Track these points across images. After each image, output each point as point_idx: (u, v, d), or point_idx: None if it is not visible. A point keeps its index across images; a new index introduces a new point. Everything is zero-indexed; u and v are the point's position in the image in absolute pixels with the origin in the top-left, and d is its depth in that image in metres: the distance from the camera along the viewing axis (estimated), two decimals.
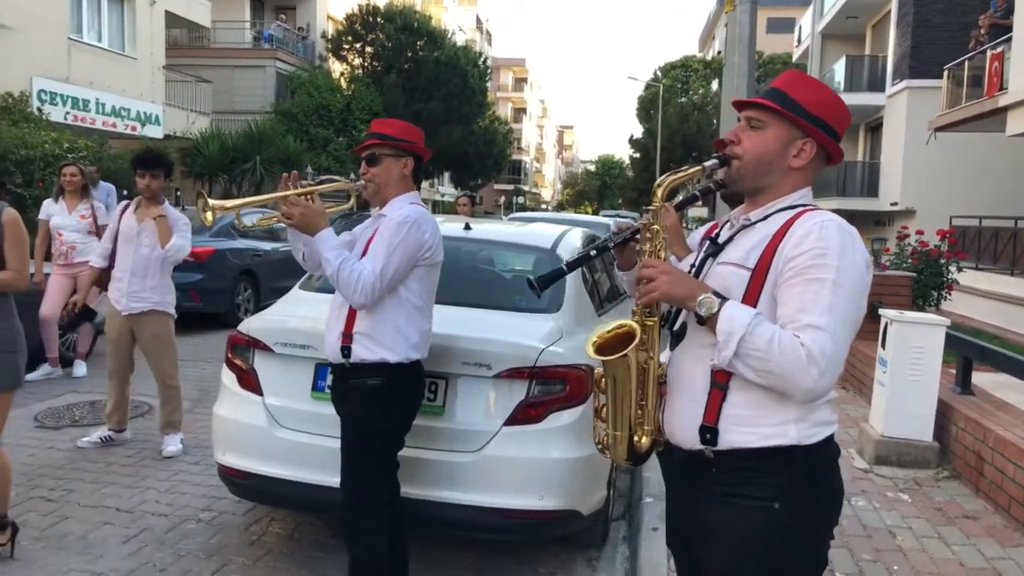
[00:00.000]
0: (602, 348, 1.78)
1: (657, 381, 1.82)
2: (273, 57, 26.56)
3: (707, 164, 1.84)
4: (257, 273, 10.32)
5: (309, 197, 2.73)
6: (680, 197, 2.10)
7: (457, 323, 3.24)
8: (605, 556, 3.76)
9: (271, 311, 3.67)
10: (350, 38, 28.42)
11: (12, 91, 14.65)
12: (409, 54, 27.82)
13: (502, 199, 58.22)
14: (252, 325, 3.41)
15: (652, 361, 1.80)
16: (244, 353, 3.41)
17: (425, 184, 38.33)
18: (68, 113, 16.64)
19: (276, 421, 3.29)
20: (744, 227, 1.81)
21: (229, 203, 2.76)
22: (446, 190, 45.37)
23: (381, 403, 2.75)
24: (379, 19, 28.06)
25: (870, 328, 5.57)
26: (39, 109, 15.46)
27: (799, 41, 29.56)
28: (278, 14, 28.98)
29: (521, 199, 59.12)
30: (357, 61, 28.70)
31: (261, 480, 3.28)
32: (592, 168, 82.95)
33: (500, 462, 3.13)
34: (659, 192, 1.82)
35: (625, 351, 1.73)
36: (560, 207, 72.93)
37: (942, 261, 8.82)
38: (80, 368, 6.86)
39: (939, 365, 4.62)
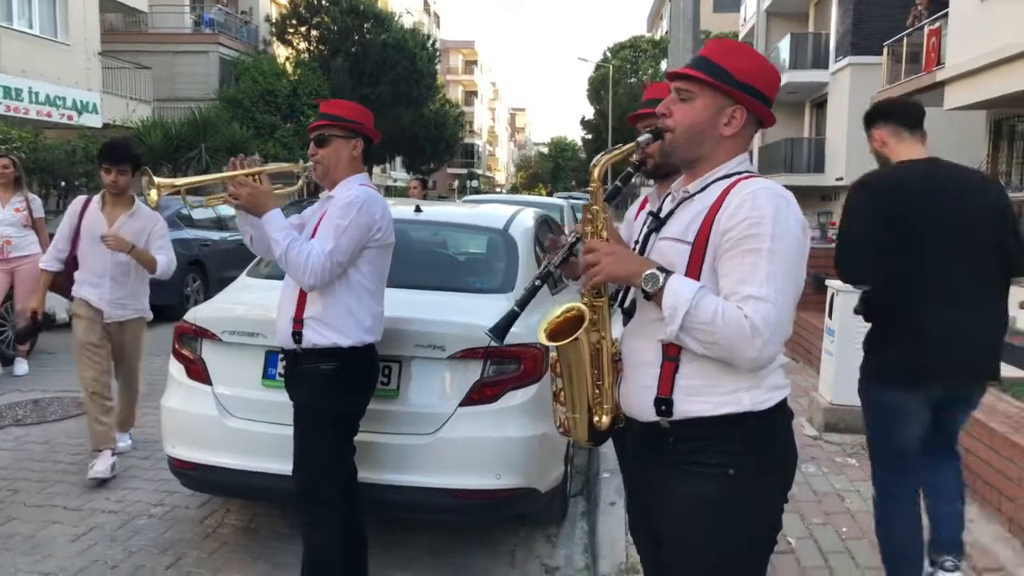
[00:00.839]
0: (553, 333, 1.78)
1: (612, 359, 1.84)
2: (215, 42, 25.91)
3: (640, 139, 1.84)
4: (206, 263, 10.12)
5: (257, 178, 2.68)
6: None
7: (410, 306, 3.21)
8: (564, 532, 3.80)
9: (218, 299, 3.59)
10: (295, 21, 27.87)
11: None
12: (356, 37, 27.39)
13: (456, 183, 57.93)
14: (199, 314, 3.33)
15: (605, 341, 1.82)
16: (191, 343, 3.33)
17: (377, 169, 37.89)
18: None
19: (226, 410, 3.23)
20: (684, 199, 1.81)
21: (176, 181, 2.71)
22: (398, 175, 44.94)
23: (335, 388, 2.73)
24: (324, 2, 27.54)
25: (817, 299, 5.69)
26: None
27: (744, 19, 29.90)
28: None
29: (475, 183, 58.94)
30: (303, 45, 28.18)
31: (213, 471, 3.22)
32: (545, 151, 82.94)
33: (456, 443, 3.12)
34: (595, 172, 1.82)
35: (576, 335, 1.74)
36: (514, 190, 72.84)
37: None
38: (21, 366, 6.66)
39: None
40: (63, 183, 14.66)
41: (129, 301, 4.41)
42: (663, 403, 1.72)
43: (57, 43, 18.28)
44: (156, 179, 2.60)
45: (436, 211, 4.28)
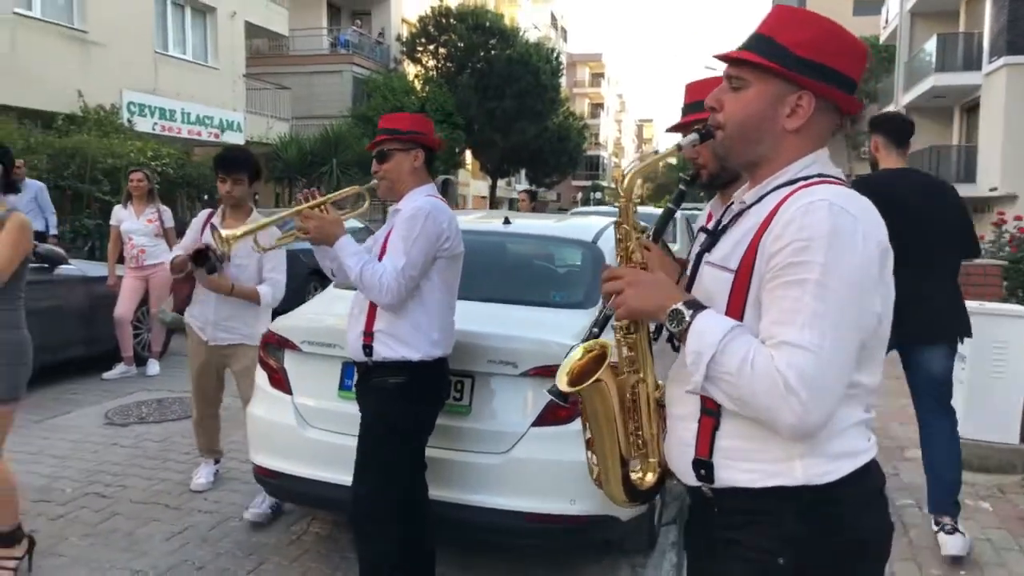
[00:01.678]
0: (580, 377, 1.56)
1: (657, 404, 1.60)
2: (349, 62, 27.12)
3: (683, 142, 1.56)
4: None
5: (323, 208, 2.71)
6: (651, 227, 1.82)
7: (484, 320, 3.14)
8: (651, 563, 3.58)
9: (302, 309, 3.66)
10: (423, 40, 28.74)
11: (104, 104, 15.42)
12: (481, 53, 27.92)
13: (579, 195, 57.85)
14: (281, 324, 3.40)
15: (645, 383, 1.58)
16: (275, 352, 3.40)
17: (502, 183, 38.44)
18: (156, 124, 17.43)
19: (305, 420, 3.26)
20: (741, 212, 1.49)
21: (241, 230, 2.79)
22: (523, 187, 45.39)
23: (402, 401, 2.71)
24: (451, 20, 28.27)
25: None
26: (128, 120, 16.24)
27: (887, 21, 28.18)
28: (354, 19, 29.57)
29: (599, 194, 58.60)
30: (431, 63, 29.00)
31: (291, 480, 3.26)
32: (673, 161, 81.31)
33: (529, 464, 3.00)
34: (625, 183, 1.58)
35: (596, 376, 1.52)
36: (641, 202, 71.68)
37: None
38: (153, 367, 7.10)
39: None
40: (206, 196, 15.70)
41: (236, 324, 3.99)
42: (702, 466, 1.44)
43: (207, 67, 19.72)
44: (223, 232, 2.73)
45: (525, 223, 4.20)
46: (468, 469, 3.04)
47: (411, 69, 29.62)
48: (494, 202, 35.91)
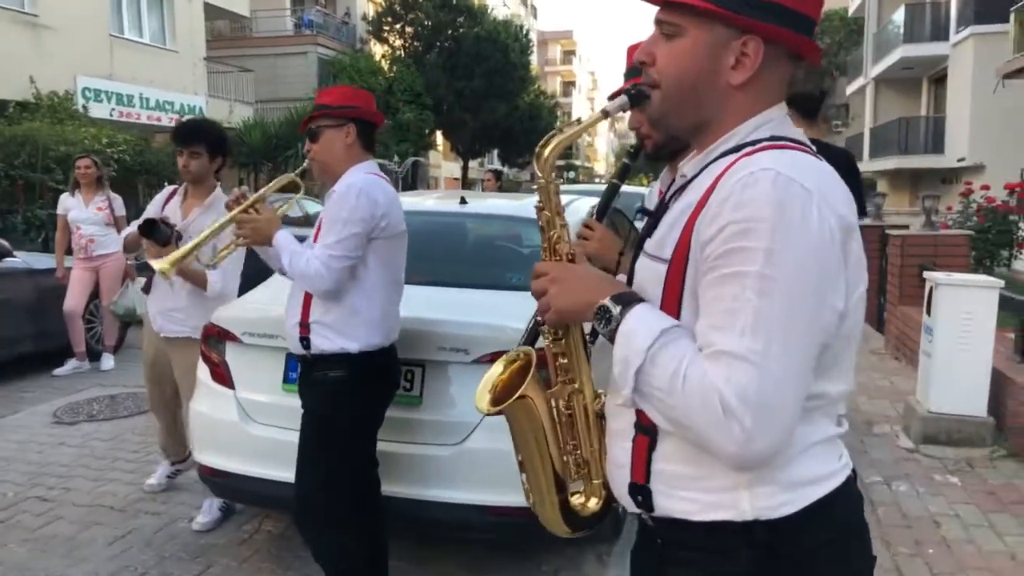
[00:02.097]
0: (506, 393, 1.37)
1: (598, 417, 1.37)
2: (314, 43, 26.61)
3: (609, 106, 1.32)
4: None
5: (254, 209, 2.54)
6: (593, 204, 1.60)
7: (436, 305, 2.99)
8: (617, 552, 3.47)
9: (244, 298, 3.47)
10: (389, 19, 28.26)
11: (57, 90, 14.93)
12: (449, 32, 27.51)
13: (552, 174, 57.49)
14: (221, 315, 3.21)
15: (581, 394, 1.36)
16: (216, 345, 3.21)
17: (474, 163, 38.06)
18: (113, 109, 16.96)
19: (249, 416, 3.09)
20: (682, 188, 1.24)
21: (176, 254, 2.64)
22: (495, 168, 45.06)
23: (346, 397, 2.54)
24: None
25: (919, 293, 5.09)
26: (84, 107, 15.76)
27: None
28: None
29: (572, 174, 58.47)
30: (398, 42, 28.54)
31: (237, 479, 3.09)
32: None
33: (484, 455, 2.85)
34: (543, 157, 1.32)
35: (519, 392, 1.33)
36: (575, 179, 71.78)
37: (1012, 217, 8.17)
38: (107, 361, 6.85)
39: (992, 331, 4.16)
40: (166, 183, 15.34)
41: (184, 316, 3.56)
42: (639, 491, 1.21)
43: (166, 50, 19.20)
44: (155, 265, 2.61)
45: (482, 203, 4.03)
46: (422, 462, 2.89)
47: (378, 49, 29.15)
48: (466, 183, 35.59)
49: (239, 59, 23.47)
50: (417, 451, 2.91)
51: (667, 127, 1.28)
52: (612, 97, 2.03)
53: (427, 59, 27.19)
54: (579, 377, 1.36)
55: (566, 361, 1.36)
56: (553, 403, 1.38)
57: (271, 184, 2.86)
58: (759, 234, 1.03)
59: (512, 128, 32.01)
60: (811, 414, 1.12)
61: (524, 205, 4.29)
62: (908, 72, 22.81)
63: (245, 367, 3.13)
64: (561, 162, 63.22)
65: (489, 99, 27.65)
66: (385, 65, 27.16)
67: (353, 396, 2.57)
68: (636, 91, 1.28)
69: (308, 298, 2.54)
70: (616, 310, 1.15)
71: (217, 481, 3.21)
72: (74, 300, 6.53)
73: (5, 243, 6.59)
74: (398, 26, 28.36)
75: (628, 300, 1.17)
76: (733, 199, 1.06)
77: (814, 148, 1.19)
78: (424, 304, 2.97)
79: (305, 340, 2.54)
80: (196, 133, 3.61)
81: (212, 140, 3.63)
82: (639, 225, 1.78)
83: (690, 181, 1.23)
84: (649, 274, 1.21)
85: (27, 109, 13.81)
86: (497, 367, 1.44)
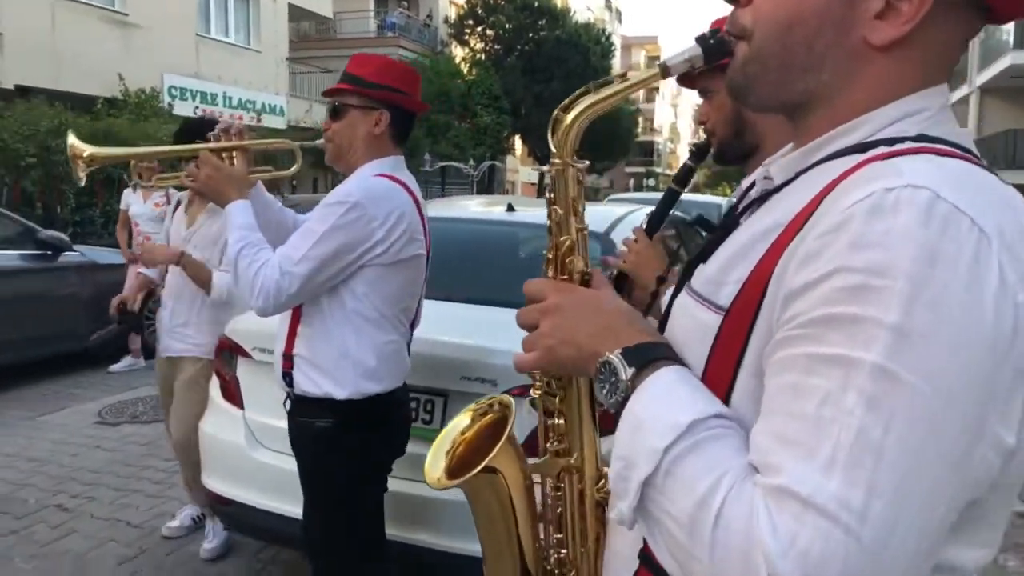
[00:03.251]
0: (468, 459, 1.03)
1: (598, 506, 0.96)
2: (396, 45, 26.73)
3: (671, 60, 0.90)
4: None
5: (228, 156, 2.09)
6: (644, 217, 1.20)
7: (462, 326, 2.62)
8: None
9: None
10: (471, 22, 28.19)
11: (144, 87, 15.31)
12: (530, 35, 27.23)
13: (631, 181, 56.72)
14: (234, 327, 2.92)
15: (578, 473, 0.96)
16: (229, 360, 2.93)
17: (544, 167, 37.68)
18: (196, 107, 17.28)
19: (256, 440, 2.79)
20: (761, 199, 0.85)
21: (106, 151, 2.19)
22: None
23: (335, 451, 2.13)
24: (500, 1, 27.64)
25: None
26: (169, 104, 16.13)
27: None
28: (401, 1, 29.21)
29: (652, 181, 57.46)
30: (478, 45, 28.45)
31: (243, 509, 2.79)
32: None
33: None
34: (564, 126, 0.91)
35: (484, 463, 0.98)
36: (696, 189, 70.23)
37: None
38: None
39: None
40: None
41: (189, 332, 3.23)
42: None
43: (250, 50, 19.56)
44: (76, 144, 2.07)
45: (531, 212, 3.64)
46: (442, 507, 2.52)
47: (458, 52, 29.14)
48: (543, 189, 35.26)
49: (321, 60, 23.76)
50: (435, 495, 2.53)
51: (755, 100, 0.84)
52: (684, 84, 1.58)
53: (507, 62, 26.99)
54: (578, 448, 0.96)
55: (562, 423, 0.95)
56: (534, 480, 1.03)
57: (267, 140, 2.39)
58: (887, 299, 0.61)
59: (591, 134, 31.48)
60: None
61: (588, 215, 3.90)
62: (1018, 81, 21.30)
63: (255, 386, 2.83)
64: (640, 169, 62.22)
65: None
66: (464, 68, 27.10)
67: (342, 450, 2.14)
68: (715, 40, 0.88)
69: (294, 325, 2.12)
70: (626, 373, 0.76)
71: (224, 509, 2.93)
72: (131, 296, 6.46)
73: (64, 236, 6.59)
74: (479, 29, 28.27)
75: (648, 359, 0.77)
76: (850, 231, 0.64)
77: (985, 163, 0.75)
78: (450, 325, 2.61)
79: (288, 376, 2.13)
80: (195, 132, 3.05)
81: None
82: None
83: (777, 189, 0.82)
84: (690, 323, 0.81)
85: (115, 106, 14.16)
86: (461, 419, 1.11)
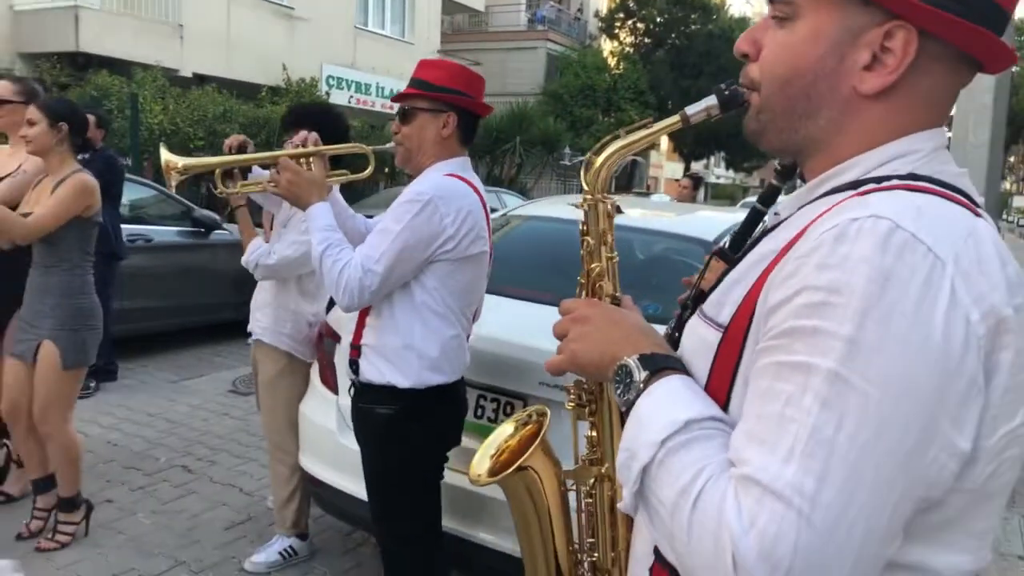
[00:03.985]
0: (511, 461, 1.16)
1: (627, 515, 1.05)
2: (545, 38, 26.93)
3: (691, 110, 1.02)
4: None
5: (307, 161, 2.22)
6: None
7: (545, 330, 2.57)
8: None
9: None
10: (622, 15, 27.87)
11: (305, 77, 16.28)
12: (681, 28, 26.58)
13: (604, 191, 54.25)
14: (335, 315, 3.03)
15: (610, 482, 1.08)
16: (329, 345, 3.05)
17: (697, 165, 36.71)
18: (352, 97, 18.19)
19: (346, 425, 2.88)
20: (771, 229, 0.94)
21: (194, 161, 2.36)
22: (720, 172, 43.23)
23: (395, 439, 2.22)
24: None
25: None
26: (327, 93, 17.05)
27: None
28: None
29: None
30: (628, 39, 28.09)
31: (331, 491, 2.91)
32: None
33: None
34: (594, 168, 1.07)
35: (519, 463, 1.12)
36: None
37: None
38: None
39: None
40: (386, 169, 16.21)
41: (260, 315, 3.16)
42: None
43: (404, 42, 20.30)
44: (168, 158, 2.25)
45: (637, 214, 3.55)
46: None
47: (607, 46, 28.90)
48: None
49: (472, 53, 24.30)
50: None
51: (767, 144, 0.95)
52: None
53: (655, 56, 26.48)
54: (610, 458, 1.09)
55: (595, 435, 1.10)
56: (569, 486, 1.17)
57: (339, 146, 2.50)
58: (841, 313, 0.70)
59: (739, 130, 30.28)
60: None
61: (695, 221, 3.76)
62: None
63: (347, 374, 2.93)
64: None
65: None
66: (612, 62, 26.85)
67: (403, 438, 2.23)
68: (730, 91, 1.00)
69: (363, 316, 2.23)
70: (640, 375, 0.87)
71: (315, 490, 3.06)
72: None
73: (215, 215, 7.11)
74: (630, 22, 27.90)
75: (660, 366, 0.87)
76: (818, 255, 0.73)
77: (979, 202, 0.83)
78: (534, 327, 2.58)
79: (355, 364, 2.25)
80: (303, 122, 2.86)
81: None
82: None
83: (782, 221, 0.92)
84: (697, 342, 0.91)
85: (277, 93, 15.16)
86: (506, 428, 1.26)
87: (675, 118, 1.03)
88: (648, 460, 0.78)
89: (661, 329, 2.47)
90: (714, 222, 3.34)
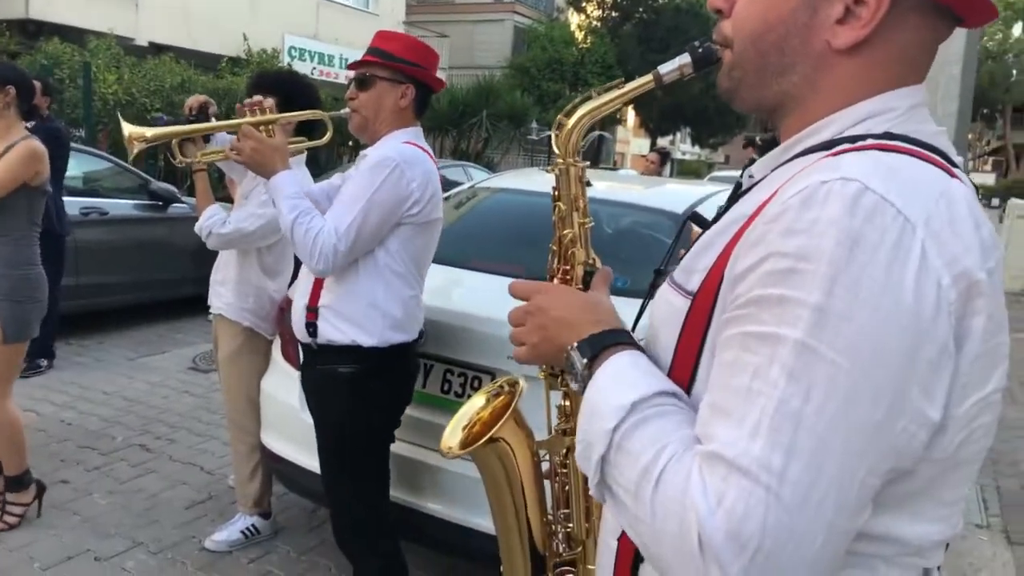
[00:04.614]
0: (485, 431, 1.14)
1: None
2: (512, 11, 26.64)
3: (663, 69, 0.98)
4: None
5: (269, 129, 2.18)
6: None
7: (513, 304, 2.53)
8: None
9: None
10: None
11: (266, 48, 15.89)
12: (649, 2, 26.45)
13: (577, 154, 54.80)
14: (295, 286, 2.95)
15: None
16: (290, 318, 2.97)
17: (664, 140, 36.77)
18: (315, 68, 17.83)
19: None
20: (744, 192, 0.91)
21: (152, 131, 2.30)
22: (686, 148, 43.40)
23: (356, 399, 2.22)
24: None
25: None
26: (289, 64, 16.66)
27: None
28: None
29: None
30: (595, 12, 27.88)
31: (291, 467, 2.86)
32: None
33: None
34: (566, 129, 1.03)
35: (490, 434, 1.11)
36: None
37: None
38: None
39: None
40: (350, 143, 15.97)
41: (223, 289, 3.06)
42: None
43: (368, 13, 19.96)
44: (128, 128, 2.21)
45: (606, 187, 3.50)
46: (477, 485, 2.49)
47: (574, 19, 28.68)
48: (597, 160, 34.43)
49: (438, 25, 23.98)
50: (473, 472, 2.50)
51: (740, 102, 0.91)
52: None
53: (622, 30, 26.34)
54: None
55: (567, 404, 1.08)
56: (542, 457, 1.17)
57: (297, 112, 2.47)
58: (809, 281, 0.67)
59: (706, 107, 30.42)
60: (870, 562, 0.75)
61: (664, 194, 3.73)
62: None
63: None
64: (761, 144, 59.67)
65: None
66: (580, 35, 26.66)
67: (365, 396, 2.24)
68: (703, 49, 0.96)
69: (320, 279, 2.23)
70: (580, 363, 0.84)
71: (276, 466, 3.00)
72: None
73: (173, 188, 6.92)
74: None
75: (601, 347, 0.84)
76: (785, 219, 0.70)
77: (956, 162, 0.80)
78: (501, 301, 2.53)
79: (312, 326, 2.23)
80: (272, 88, 2.75)
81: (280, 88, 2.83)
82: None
83: (755, 184, 0.89)
84: (666, 310, 0.88)
85: (238, 64, 14.78)
86: (477, 400, 1.23)
87: (647, 78, 1.00)
88: (604, 450, 0.76)
89: (631, 302, 2.42)
90: (684, 196, 3.30)
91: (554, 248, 1.08)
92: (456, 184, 10.47)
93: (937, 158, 0.76)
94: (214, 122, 2.53)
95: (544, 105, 23.45)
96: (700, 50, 0.95)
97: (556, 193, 1.09)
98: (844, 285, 0.66)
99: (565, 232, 1.07)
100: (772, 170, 0.86)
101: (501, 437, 1.10)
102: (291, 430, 2.83)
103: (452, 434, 1.17)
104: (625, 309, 2.68)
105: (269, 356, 3.09)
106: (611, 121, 27.16)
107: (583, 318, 0.90)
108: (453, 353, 2.56)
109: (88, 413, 4.42)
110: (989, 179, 37.78)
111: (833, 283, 0.66)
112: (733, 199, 0.92)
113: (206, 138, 2.66)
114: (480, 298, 2.76)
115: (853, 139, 0.78)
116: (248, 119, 2.21)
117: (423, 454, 2.52)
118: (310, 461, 2.73)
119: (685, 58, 0.97)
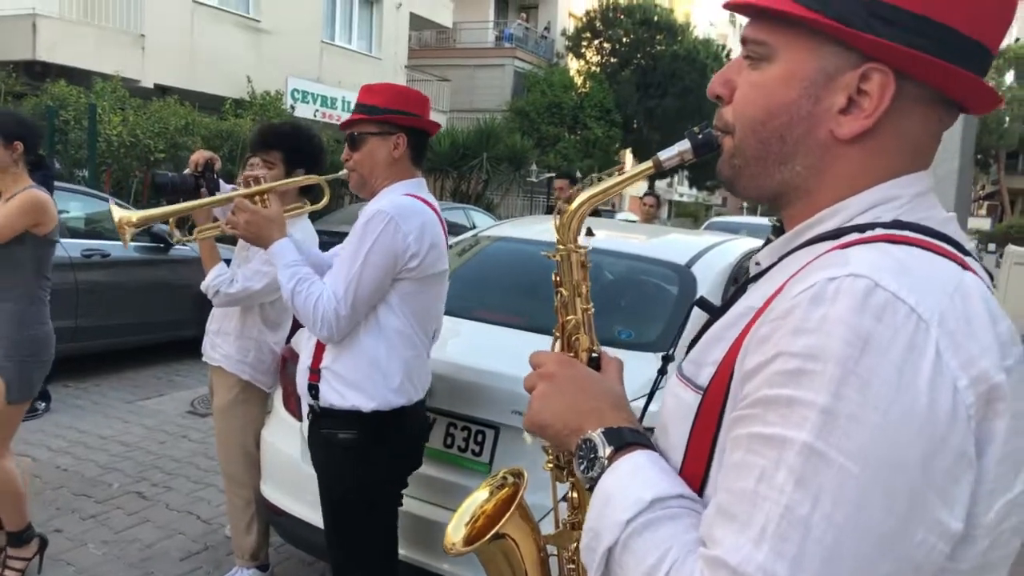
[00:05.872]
0: (487, 528, 1.08)
1: None
2: (512, 56, 27.06)
3: (663, 155, 0.97)
4: None
5: (262, 199, 2.19)
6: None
7: (518, 356, 2.51)
8: None
9: None
10: (589, 35, 28.14)
11: (270, 90, 16.08)
12: (647, 48, 26.90)
13: (745, 204, 55.14)
14: (296, 337, 2.94)
15: None
16: (293, 370, 2.95)
17: (662, 184, 37.07)
18: (317, 111, 18.02)
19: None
20: (754, 279, 0.90)
21: (139, 214, 2.33)
22: (683, 189, 43.74)
23: (357, 466, 2.17)
24: (619, 15, 27.45)
25: None
26: (292, 107, 16.86)
27: None
28: (520, 13, 29.51)
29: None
30: (594, 58, 28.35)
31: (292, 521, 2.81)
32: None
33: None
34: (567, 214, 1.03)
35: (496, 530, 1.04)
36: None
37: None
38: None
39: None
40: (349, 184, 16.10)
41: (220, 340, 3.02)
42: None
43: (370, 57, 20.22)
44: (118, 213, 2.23)
45: (609, 237, 3.52)
46: None
47: (573, 64, 29.14)
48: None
49: (439, 68, 24.31)
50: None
51: (741, 190, 0.90)
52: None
53: (621, 76, 26.75)
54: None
55: (575, 496, 1.01)
56: (549, 552, 1.10)
57: (291, 180, 2.51)
58: (818, 381, 0.65)
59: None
60: None
61: (665, 244, 3.74)
62: None
63: None
64: None
65: (681, 120, 26.67)
66: (579, 80, 27.06)
67: (366, 461, 2.18)
68: (703, 135, 0.95)
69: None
70: (604, 451, 0.82)
71: (278, 519, 2.95)
72: None
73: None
74: (596, 42, 28.16)
75: (626, 441, 0.83)
76: (794, 318, 0.68)
77: (968, 250, 0.78)
78: (505, 353, 2.55)
79: (314, 388, 2.18)
80: (278, 143, 2.85)
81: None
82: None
83: (764, 272, 0.88)
84: (676, 404, 0.85)
85: (241, 106, 14.94)
86: (481, 493, 1.16)
87: (648, 164, 1.01)
88: (612, 541, 0.74)
89: (641, 361, 2.41)
90: (687, 247, 3.31)
91: (557, 334, 1.07)
92: (457, 226, 10.53)
93: (949, 249, 0.75)
94: (205, 197, 2.51)
95: (543, 148, 23.71)
96: (700, 136, 0.95)
97: (558, 279, 1.08)
98: (854, 387, 0.63)
99: (568, 318, 1.05)
100: (780, 258, 0.85)
101: (506, 533, 1.05)
102: (292, 482, 2.80)
103: (455, 530, 1.12)
104: (631, 363, 2.69)
105: (265, 407, 3.07)
106: (610, 163, 27.43)
107: (608, 408, 0.89)
108: (456, 407, 2.54)
109: (85, 459, 4.37)
110: (985, 224, 38.01)
111: (842, 384, 0.63)
112: (741, 289, 0.91)
113: (210, 190, 2.64)
114: (482, 350, 2.76)
115: (862, 228, 0.77)
116: (241, 192, 2.22)
117: (428, 510, 2.48)
118: (310, 514, 2.70)
119: (685, 144, 0.96)
